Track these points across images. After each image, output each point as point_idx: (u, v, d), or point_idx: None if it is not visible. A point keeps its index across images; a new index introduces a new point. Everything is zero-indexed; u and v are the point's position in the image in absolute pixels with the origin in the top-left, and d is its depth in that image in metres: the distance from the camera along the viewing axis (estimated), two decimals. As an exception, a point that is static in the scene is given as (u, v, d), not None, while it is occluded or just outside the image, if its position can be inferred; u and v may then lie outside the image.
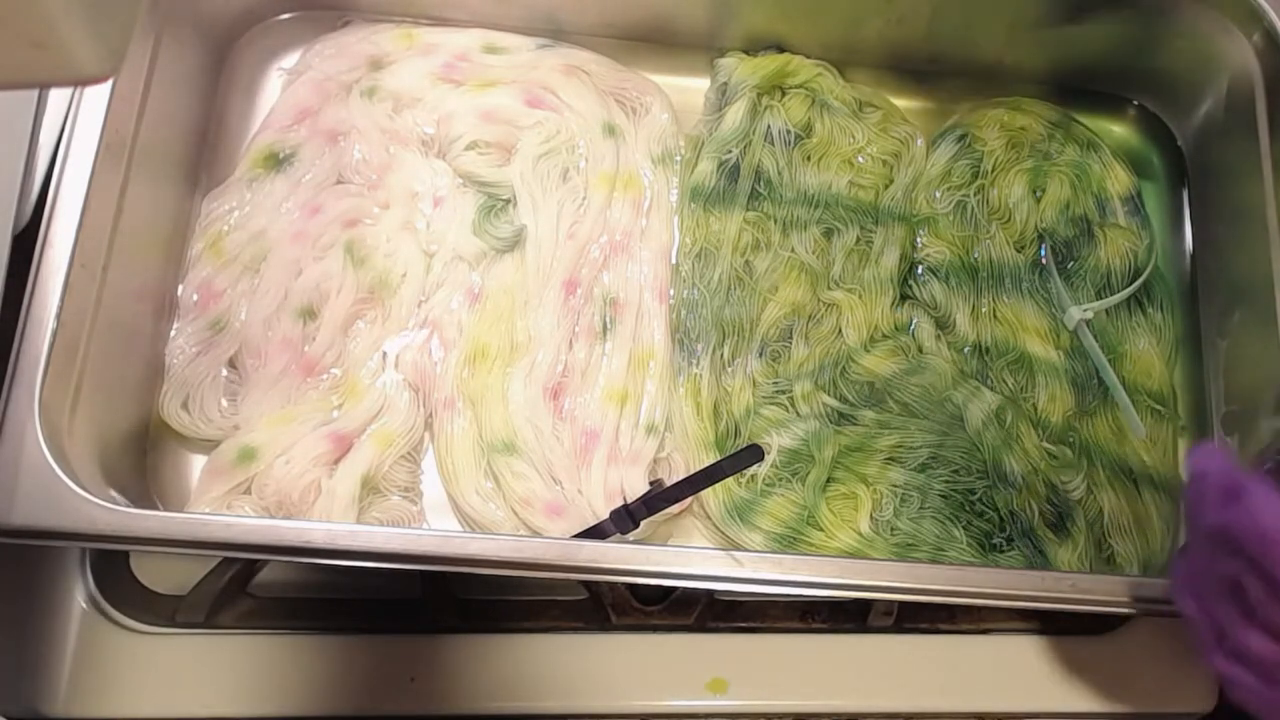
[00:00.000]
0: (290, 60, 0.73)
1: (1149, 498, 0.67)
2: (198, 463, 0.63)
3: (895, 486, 0.65)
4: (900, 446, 0.66)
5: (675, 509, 0.63)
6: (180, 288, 0.66)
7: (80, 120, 0.57)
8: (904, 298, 0.71)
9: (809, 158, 0.73)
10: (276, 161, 0.68)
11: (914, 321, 0.70)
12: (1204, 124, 0.76)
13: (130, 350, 0.61)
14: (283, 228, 0.67)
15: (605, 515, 0.61)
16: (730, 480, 0.63)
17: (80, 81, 0.39)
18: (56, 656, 0.60)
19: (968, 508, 0.65)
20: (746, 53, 0.75)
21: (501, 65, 0.72)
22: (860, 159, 0.73)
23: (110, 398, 0.59)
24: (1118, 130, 0.79)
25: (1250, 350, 0.68)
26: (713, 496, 0.63)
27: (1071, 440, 0.68)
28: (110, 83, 0.58)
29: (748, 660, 0.64)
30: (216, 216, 0.67)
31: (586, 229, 0.68)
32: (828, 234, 0.71)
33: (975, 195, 0.73)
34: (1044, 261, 0.72)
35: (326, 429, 0.62)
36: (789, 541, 0.63)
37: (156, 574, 0.63)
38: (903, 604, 0.66)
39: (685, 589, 0.64)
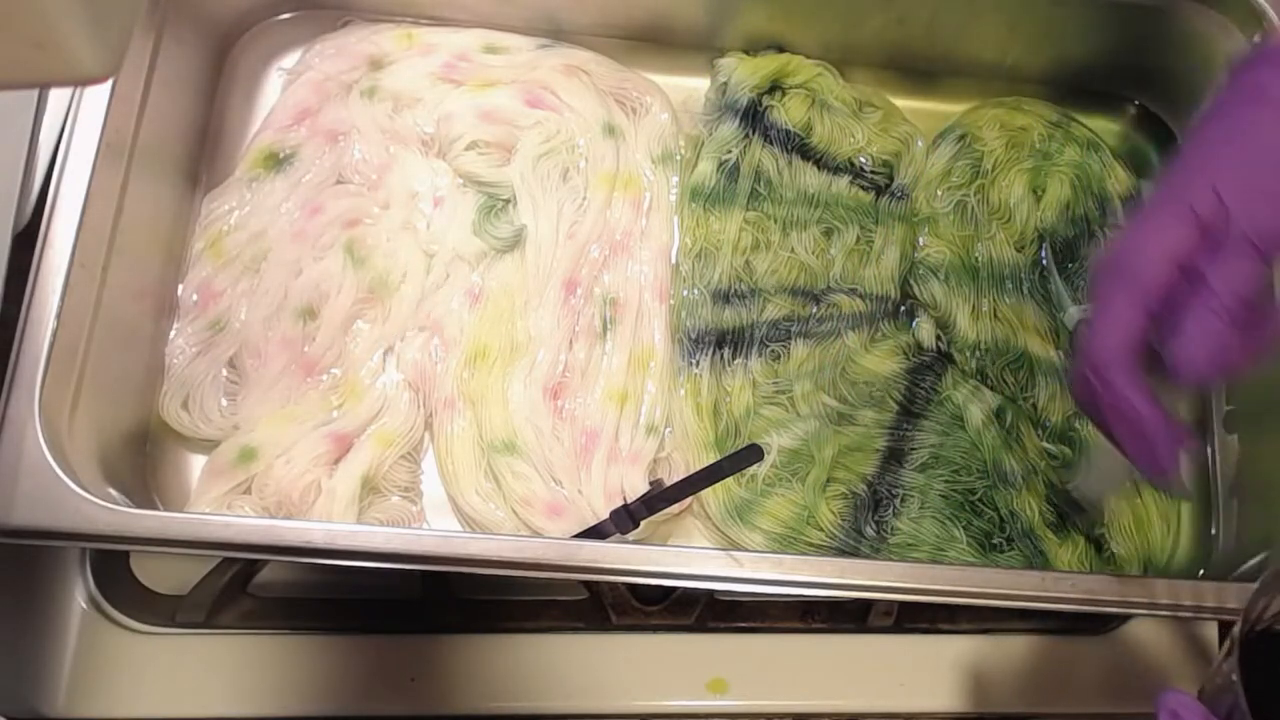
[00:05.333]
0: (290, 60, 0.72)
1: (1149, 498, 0.67)
2: (198, 463, 0.63)
3: (895, 487, 0.65)
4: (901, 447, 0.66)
5: (675, 509, 0.63)
6: (180, 288, 0.65)
7: (80, 120, 0.57)
8: (904, 297, 0.71)
9: (809, 157, 0.73)
10: (276, 161, 0.68)
11: (914, 321, 0.70)
12: (1204, 124, 0.76)
13: (130, 350, 0.61)
14: (283, 228, 0.67)
15: (605, 515, 0.61)
16: (730, 480, 0.63)
17: (80, 81, 0.39)
18: (56, 656, 0.60)
19: (968, 508, 0.65)
20: (746, 53, 0.75)
21: (501, 65, 0.72)
22: (861, 159, 0.73)
23: (110, 398, 0.59)
24: (1118, 130, 0.79)
25: (1250, 350, 0.68)
26: (713, 496, 0.63)
27: (1071, 440, 0.68)
28: (110, 83, 0.58)
29: (748, 660, 0.64)
30: (216, 216, 0.67)
31: (586, 229, 0.68)
32: (828, 234, 0.71)
33: (975, 195, 0.73)
34: (1044, 261, 0.72)
35: (326, 429, 0.62)
36: (789, 541, 0.63)
37: (156, 574, 0.63)
38: (903, 604, 0.66)
39: (685, 589, 0.64)
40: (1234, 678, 0.43)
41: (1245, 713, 0.43)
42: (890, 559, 0.63)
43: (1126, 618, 0.67)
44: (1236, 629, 0.45)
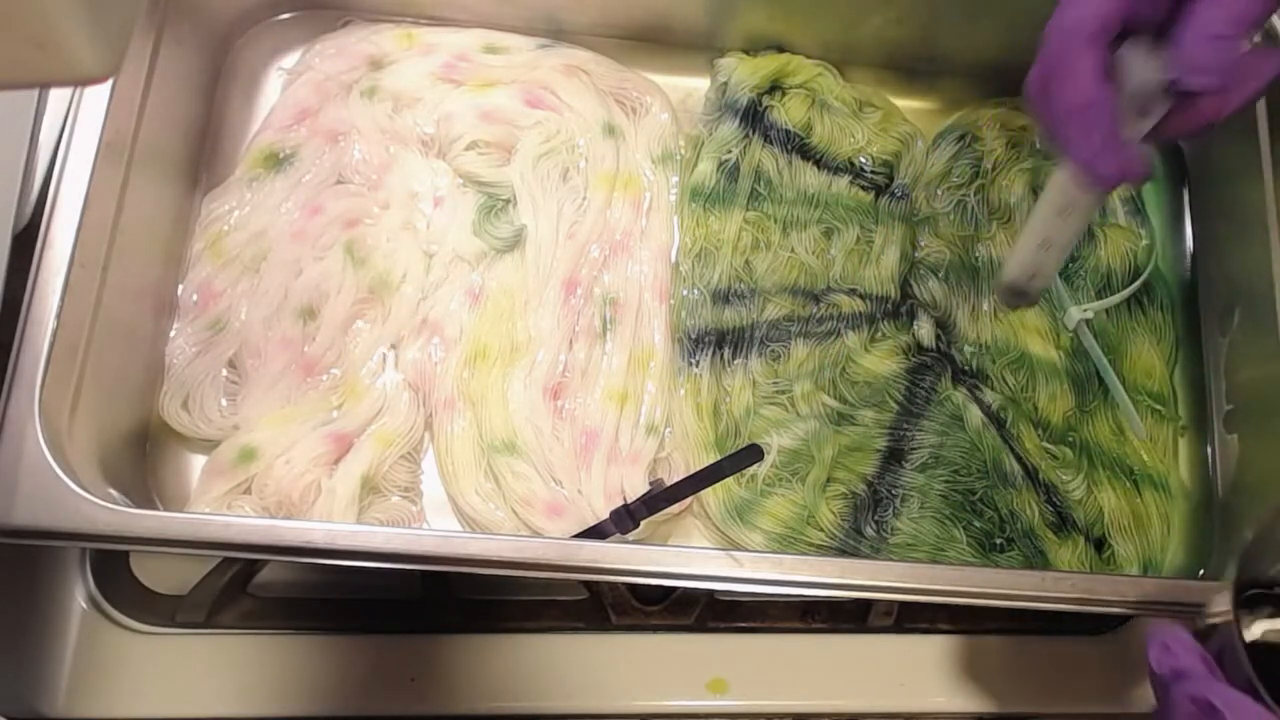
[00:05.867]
0: (290, 60, 0.73)
1: (1149, 498, 0.67)
2: (198, 463, 0.63)
3: (895, 487, 0.65)
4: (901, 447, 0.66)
5: (675, 509, 0.63)
6: (180, 288, 0.66)
7: (80, 120, 0.57)
8: (904, 297, 0.71)
9: (809, 157, 0.73)
10: (276, 161, 0.68)
11: (914, 321, 0.70)
12: (1204, 124, 0.76)
13: (130, 350, 0.61)
14: (283, 228, 0.67)
15: (605, 515, 0.61)
16: (730, 480, 0.63)
17: (80, 81, 0.39)
18: (56, 656, 0.60)
19: (968, 508, 0.65)
20: (746, 52, 0.75)
21: (501, 65, 0.72)
22: (861, 159, 0.73)
23: (110, 398, 0.59)
24: (1118, 130, 0.79)
25: (1250, 350, 0.68)
26: (713, 496, 0.63)
27: (1071, 440, 0.68)
28: (110, 83, 0.58)
29: (748, 660, 0.64)
30: (216, 216, 0.67)
31: (586, 229, 0.68)
32: (828, 234, 0.71)
33: (975, 195, 0.73)
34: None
35: (326, 429, 0.62)
36: (789, 541, 0.63)
37: (156, 574, 0.63)
38: (903, 604, 0.66)
39: (685, 589, 0.65)
40: (1231, 613, 0.44)
41: (1239, 649, 0.44)
42: (890, 559, 0.63)
43: (1127, 618, 0.67)
44: (1235, 571, 0.47)
